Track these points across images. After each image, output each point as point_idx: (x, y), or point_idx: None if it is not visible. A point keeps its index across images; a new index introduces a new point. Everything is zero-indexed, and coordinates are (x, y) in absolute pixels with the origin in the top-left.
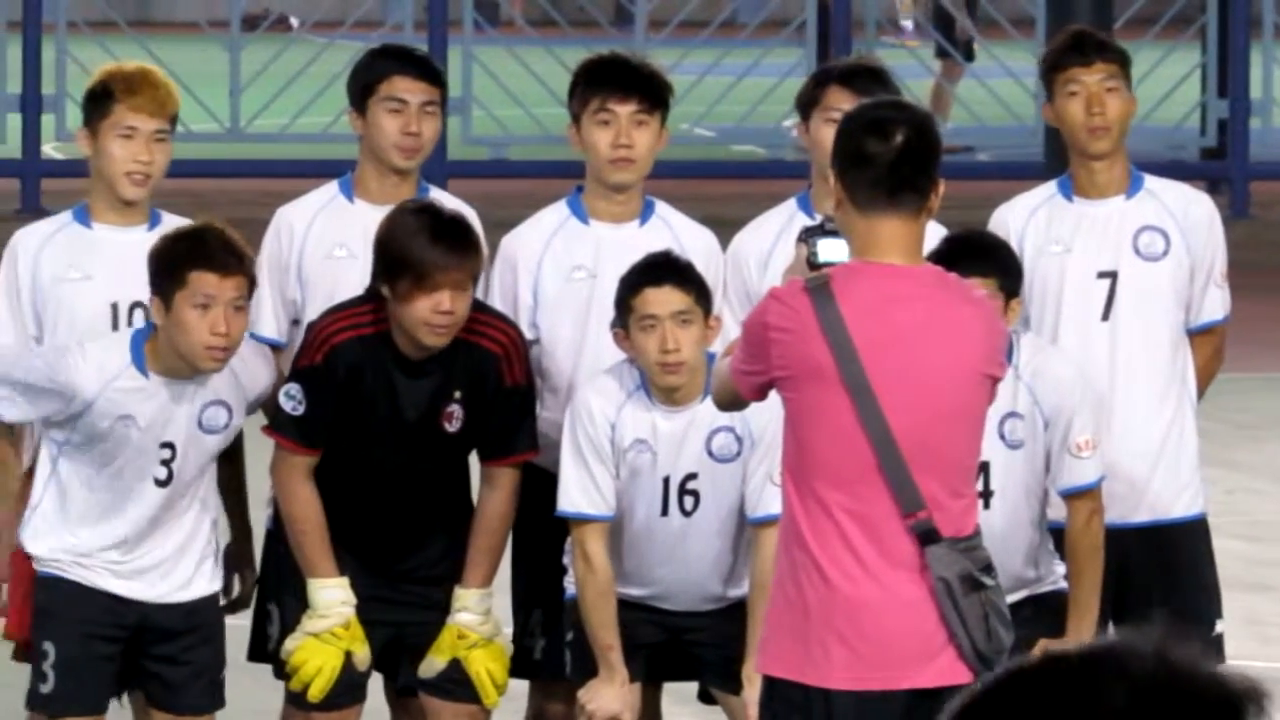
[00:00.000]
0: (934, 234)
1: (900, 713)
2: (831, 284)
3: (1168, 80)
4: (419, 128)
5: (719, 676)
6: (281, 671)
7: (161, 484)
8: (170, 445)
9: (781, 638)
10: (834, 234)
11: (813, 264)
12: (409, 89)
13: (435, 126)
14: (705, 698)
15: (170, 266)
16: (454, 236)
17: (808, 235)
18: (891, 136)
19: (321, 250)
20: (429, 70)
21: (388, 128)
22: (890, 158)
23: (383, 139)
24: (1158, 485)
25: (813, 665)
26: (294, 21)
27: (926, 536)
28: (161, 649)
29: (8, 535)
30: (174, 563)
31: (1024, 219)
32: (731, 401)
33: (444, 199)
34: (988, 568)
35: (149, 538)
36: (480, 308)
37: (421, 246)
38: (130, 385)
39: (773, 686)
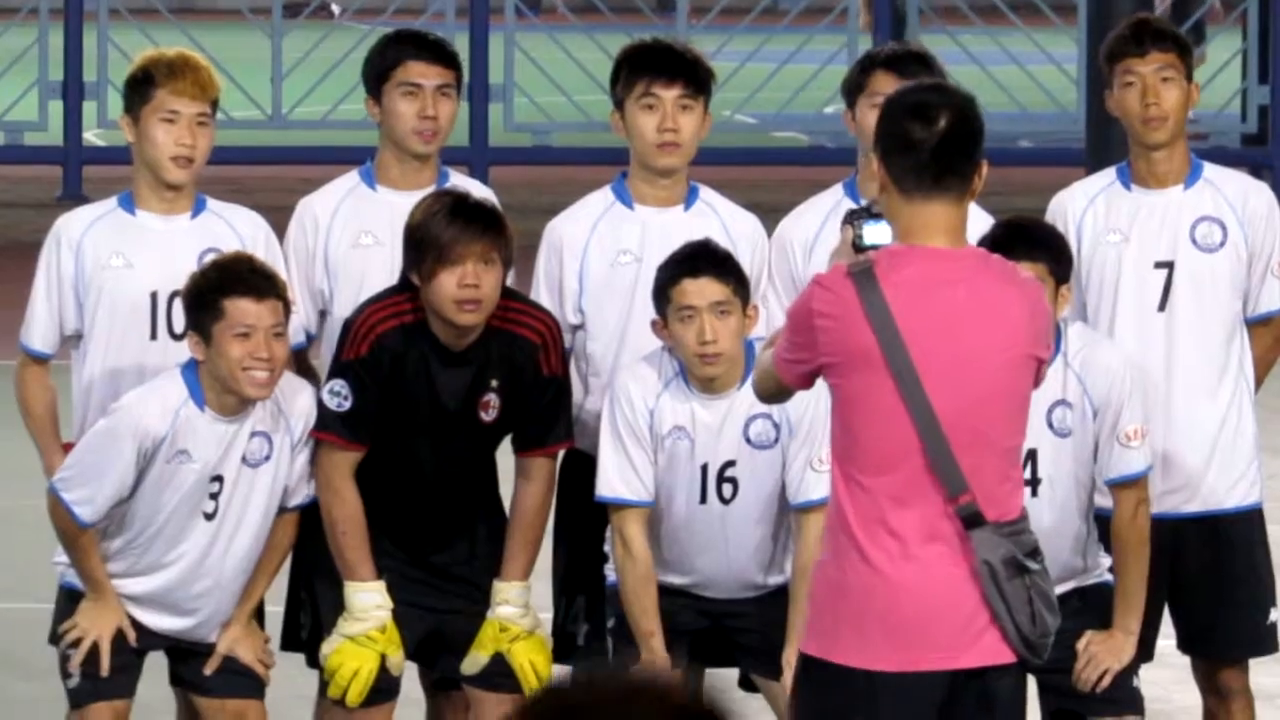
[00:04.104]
0: (979, 219)
1: (943, 694)
2: (875, 268)
3: (1209, 66)
4: (435, 111)
5: (760, 663)
6: (313, 660)
7: (210, 517)
8: (219, 479)
9: (823, 619)
10: (879, 217)
11: (858, 247)
12: (423, 73)
13: (452, 109)
14: (746, 685)
15: (204, 298)
16: (473, 213)
17: (853, 218)
18: (935, 121)
19: (348, 239)
20: (443, 53)
21: (404, 113)
22: (934, 142)
23: (400, 124)
24: (1213, 476)
25: (854, 647)
26: (335, 9)
27: (970, 520)
28: (189, 648)
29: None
30: (203, 605)
31: (1082, 206)
32: (775, 393)
33: (465, 184)
34: (1033, 552)
35: (191, 584)
36: (517, 297)
37: (440, 224)
38: (190, 417)
39: (810, 665)
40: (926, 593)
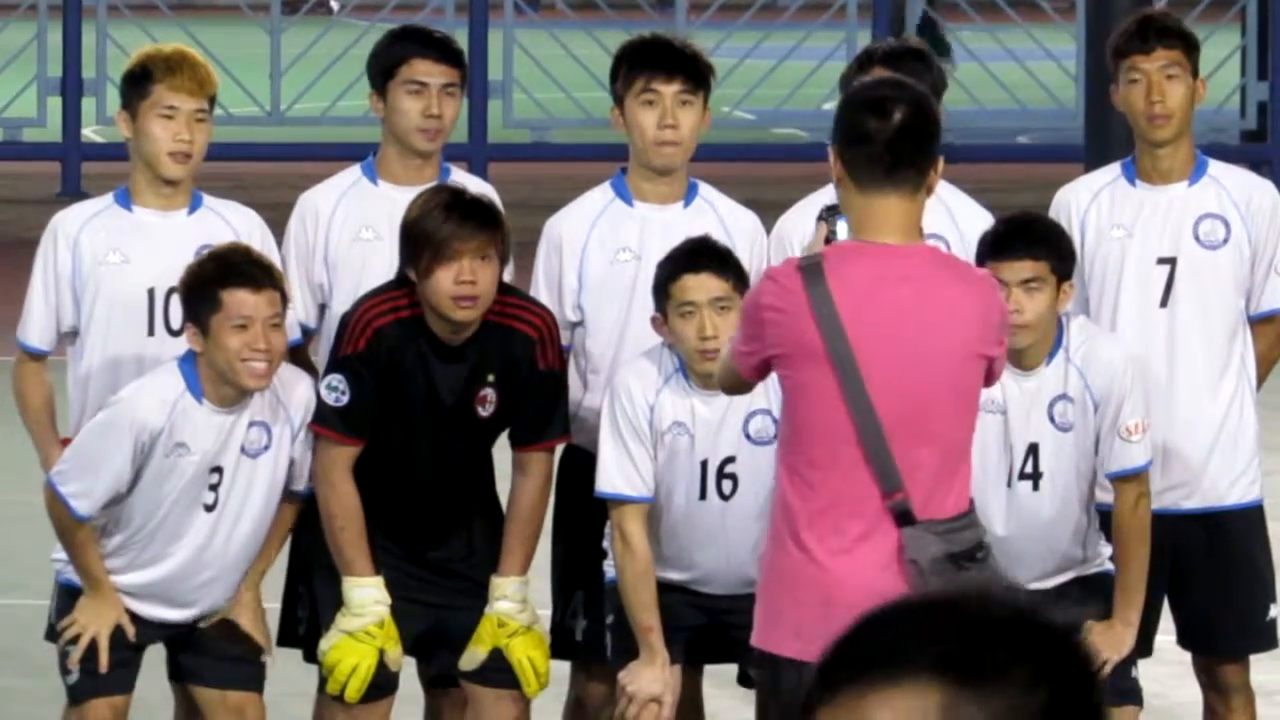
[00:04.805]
0: (976, 215)
1: None
2: (824, 264)
3: (1208, 63)
4: (440, 109)
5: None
6: (311, 655)
7: (209, 509)
8: (219, 470)
9: (763, 610)
10: None
11: (830, 242)
12: (429, 71)
13: (456, 108)
14: (745, 680)
15: (201, 290)
16: (469, 209)
17: (828, 214)
18: (890, 114)
19: (348, 233)
20: (449, 52)
21: (409, 110)
22: (888, 135)
23: (404, 122)
24: (1214, 472)
25: (786, 638)
26: (334, 4)
27: (903, 517)
28: (189, 637)
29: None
30: (203, 595)
31: (1086, 201)
32: (734, 384)
33: (465, 180)
34: (974, 549)
35: (192, 576)
36: (513, 292)
37: (436, 221)
38: (188, 409)
39: (759, 659)
40: (860, 585)
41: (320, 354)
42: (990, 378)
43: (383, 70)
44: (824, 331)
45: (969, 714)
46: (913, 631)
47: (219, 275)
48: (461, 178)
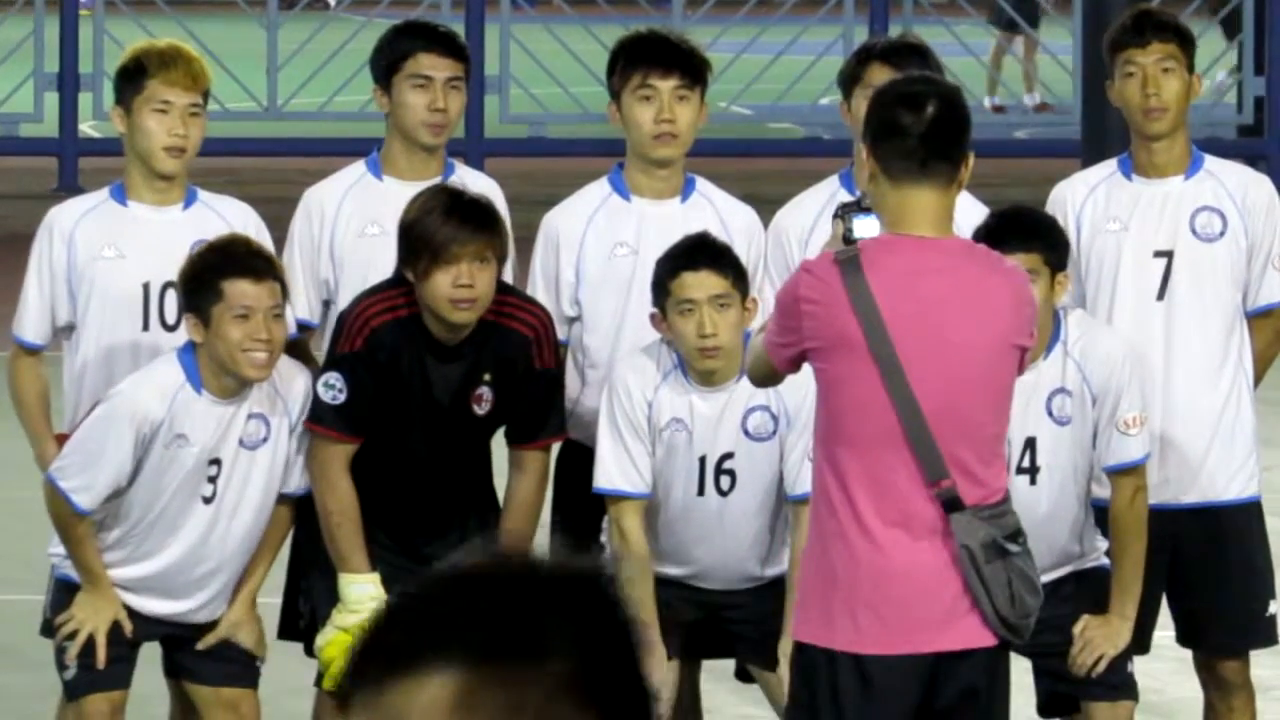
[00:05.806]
0: (973, 211)
1: (926, 674)
2: (861, 256)
3: (1204, 58)
4: (445, 104)
5: (756, 654)
6: (311, 649)
7: (208, 501)
8: (217, 461)
9: (811, 604)
10: (869, 211)
11: (848, 240)
12: (434, 65)
13: (461, 102)
14: (743, 676)
15: (203, 280)
16: (468, 212)
17: (844, 212)
18: (923, 108)
19: (354, 228)
20: (453, 46)
21: (415, 105)
22: (922, 129)
23: (410, 116)
24: (1211, 467)
25: (841, 631)
26: (331, 0)
27: (950, 504)
28: (186, 634)
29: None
30: (202, 587)
31: (1082, 196)
32: (767, 376)
33: (470, 176)
34: (1015, 534)
35: (191, 568)
36: (510, 290)
37: (436, 223)
38: (188, 400)
39: (802, 652)
40: (911, 577)
41: (323, 350)
42: (1020, 368)
43: (387, 65)
44: (863, 323)
45: (489, 697)
46: (430, 619)
47: (220, 265)
48: (465, 173)
